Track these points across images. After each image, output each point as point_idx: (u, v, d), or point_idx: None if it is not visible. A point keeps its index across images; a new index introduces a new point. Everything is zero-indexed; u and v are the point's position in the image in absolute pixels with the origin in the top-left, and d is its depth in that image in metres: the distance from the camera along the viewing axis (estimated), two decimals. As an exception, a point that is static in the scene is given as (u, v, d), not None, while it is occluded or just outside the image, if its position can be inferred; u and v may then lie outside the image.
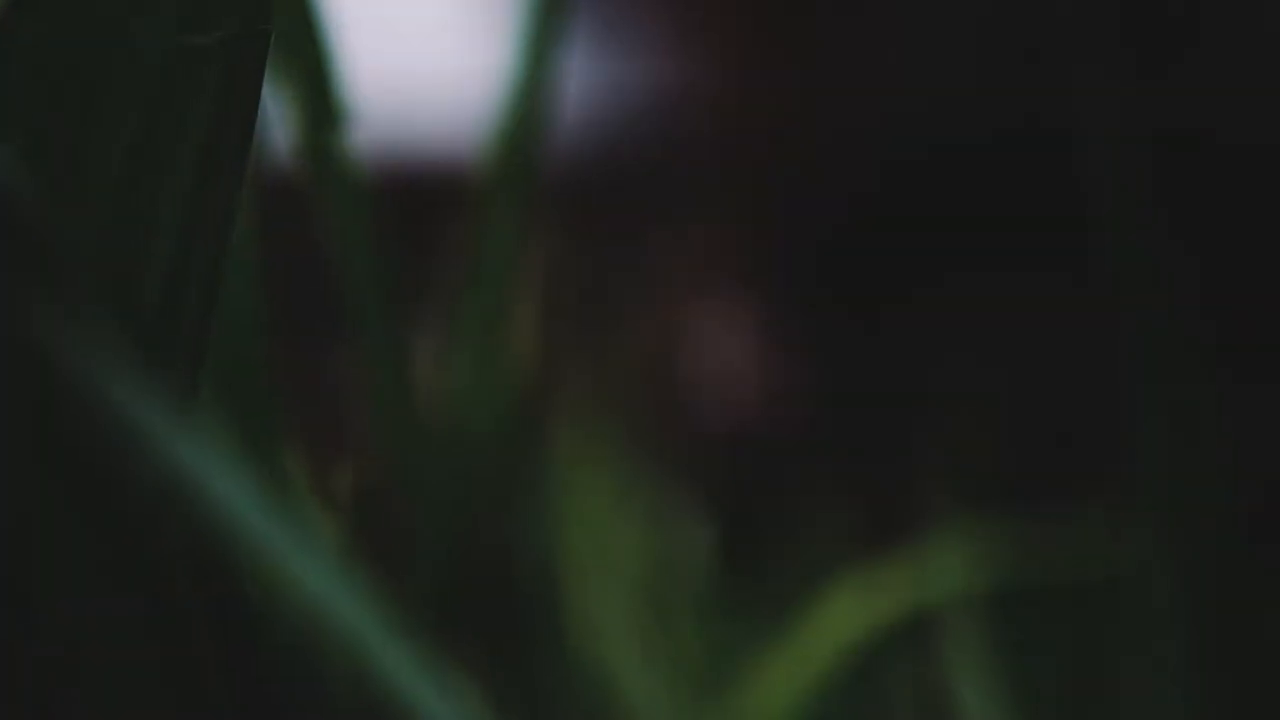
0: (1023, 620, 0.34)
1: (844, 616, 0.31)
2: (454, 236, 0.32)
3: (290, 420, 0.25)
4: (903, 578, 0.33)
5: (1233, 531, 0.31)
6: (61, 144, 0.19)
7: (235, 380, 0.23)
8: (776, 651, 0.32)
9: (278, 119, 0.28)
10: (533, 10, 0.26)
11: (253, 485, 0.17)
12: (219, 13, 0.19)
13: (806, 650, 0.30)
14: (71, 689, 0.17)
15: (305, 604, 0.15)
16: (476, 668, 0.34)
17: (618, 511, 0.41)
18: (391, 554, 0.28)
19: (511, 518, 0.29)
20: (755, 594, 0.56)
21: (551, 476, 0.31)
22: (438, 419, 0.28)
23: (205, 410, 0.23)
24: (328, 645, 0.15)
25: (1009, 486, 0.49)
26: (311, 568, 0.16)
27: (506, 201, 0.27)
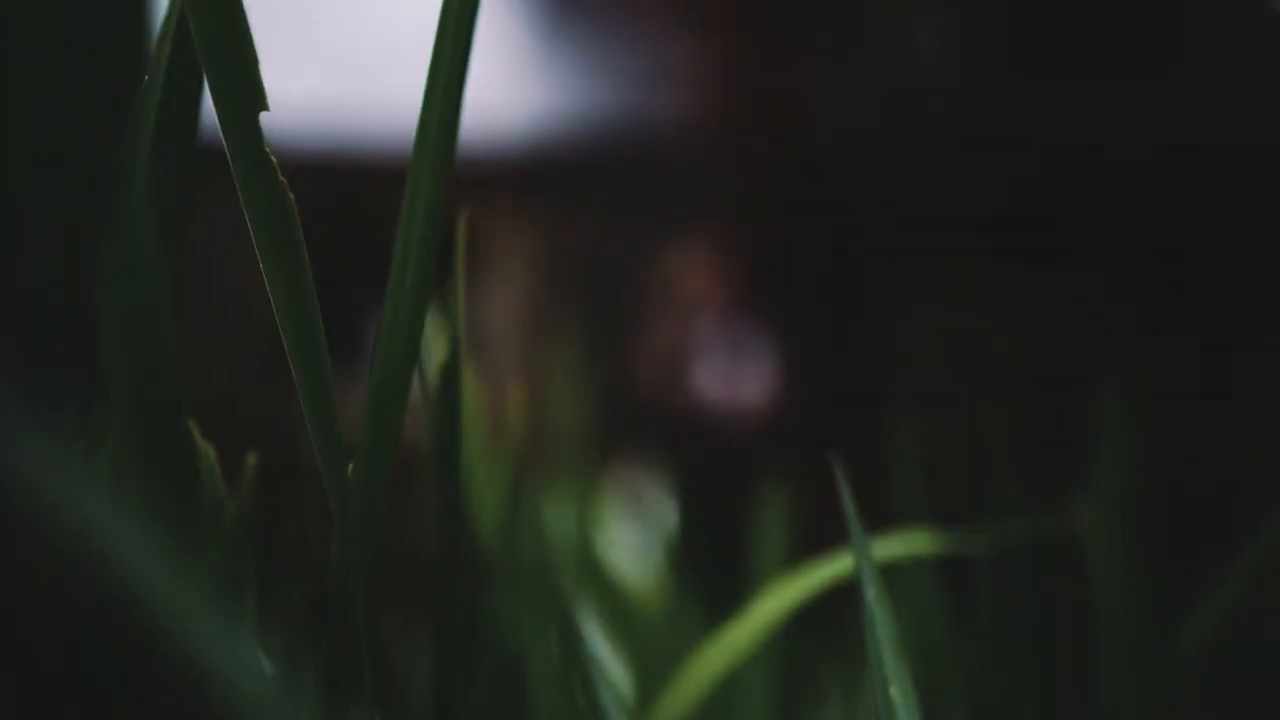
0: (953, 614, 0.34)
1: (773, 606, 0.31)
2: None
3: (207, 409, 0.25)
4: (840, 568, 0.33)
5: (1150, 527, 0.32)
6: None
7: (142, 374, 0.22)
8: (710, 640, 0.32)
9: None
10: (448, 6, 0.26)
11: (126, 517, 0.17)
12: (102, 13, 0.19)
13: (732, 638, 0.30)
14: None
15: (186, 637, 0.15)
16: (400, 665, 0.34)
17: (567, 506, 0.42)
18: (311, 548, 0.28)
19: (444, 510, 0.30)
20: (721, 585, 0.56)
21: (469, 469, 0.31)
22: (364, 409, 0.28)
23: (110, 413, 0.23)
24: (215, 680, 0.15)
25: (982, 486, 0.49)
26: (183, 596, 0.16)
27: (423, 194, 0.27)
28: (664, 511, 0.56)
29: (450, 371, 0.29)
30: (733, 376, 2.32)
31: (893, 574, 0.44)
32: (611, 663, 0.39)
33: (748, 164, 3.17)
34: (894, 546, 0.34)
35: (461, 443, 0.28)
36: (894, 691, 0.27)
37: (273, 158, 0.25)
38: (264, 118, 0.26)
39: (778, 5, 3.17)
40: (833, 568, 0.32)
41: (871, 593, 0.28)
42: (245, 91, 0.24)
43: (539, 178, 4.50)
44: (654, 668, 0.38)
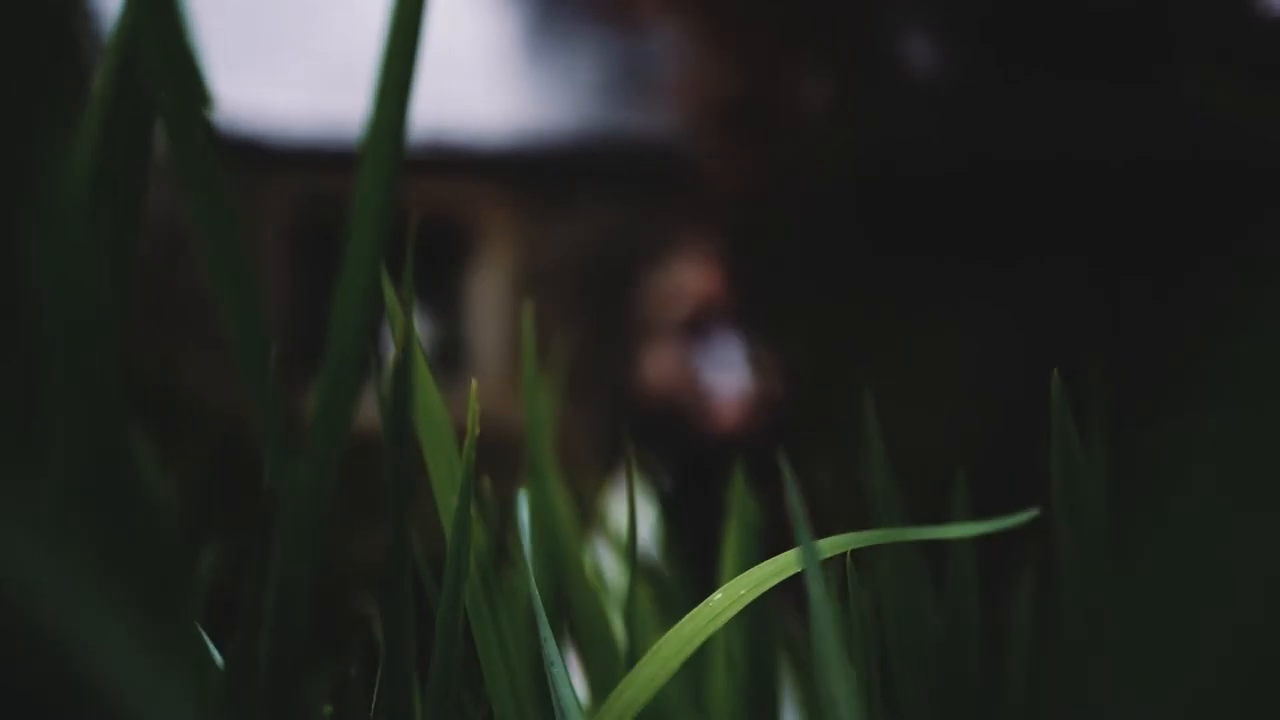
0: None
1: (728, 601, 0.32)
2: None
3: (151, 407, 0.26)
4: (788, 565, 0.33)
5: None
6: None
7: (83, 370, 0.23)
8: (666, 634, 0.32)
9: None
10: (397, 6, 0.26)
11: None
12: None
13: (687, 632, 0.30)
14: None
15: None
16: (355, 664, 0.35)
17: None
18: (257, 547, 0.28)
19: (392, 504, 0.30)
20: (697, 580, 0.57)
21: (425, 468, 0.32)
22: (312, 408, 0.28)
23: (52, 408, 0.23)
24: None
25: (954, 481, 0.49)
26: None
27: (374, 190, 0.27)
28: (623, 508, 0.56)
29: (403, 366, 0.30)
30: (719, 376, 2.34)
31: (871, 564, 0.44)
32: (572, 657, 0.39)
33: (738, 168, 3.17)
34: (847, 542, 0.34)
35: (410, 437, 0.28)
36: (836, 686, 0.27)
37: (218, 159, 0.25)
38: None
39: (774, 8, 3.18)
40: (785, 564, 0.33)
41: (817, 590, 0.28)
42: (190, 92, 0.25)
43: (530, 177, 4.50)
44: (613, 662, 0.38)
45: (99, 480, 0.22)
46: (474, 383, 0.32)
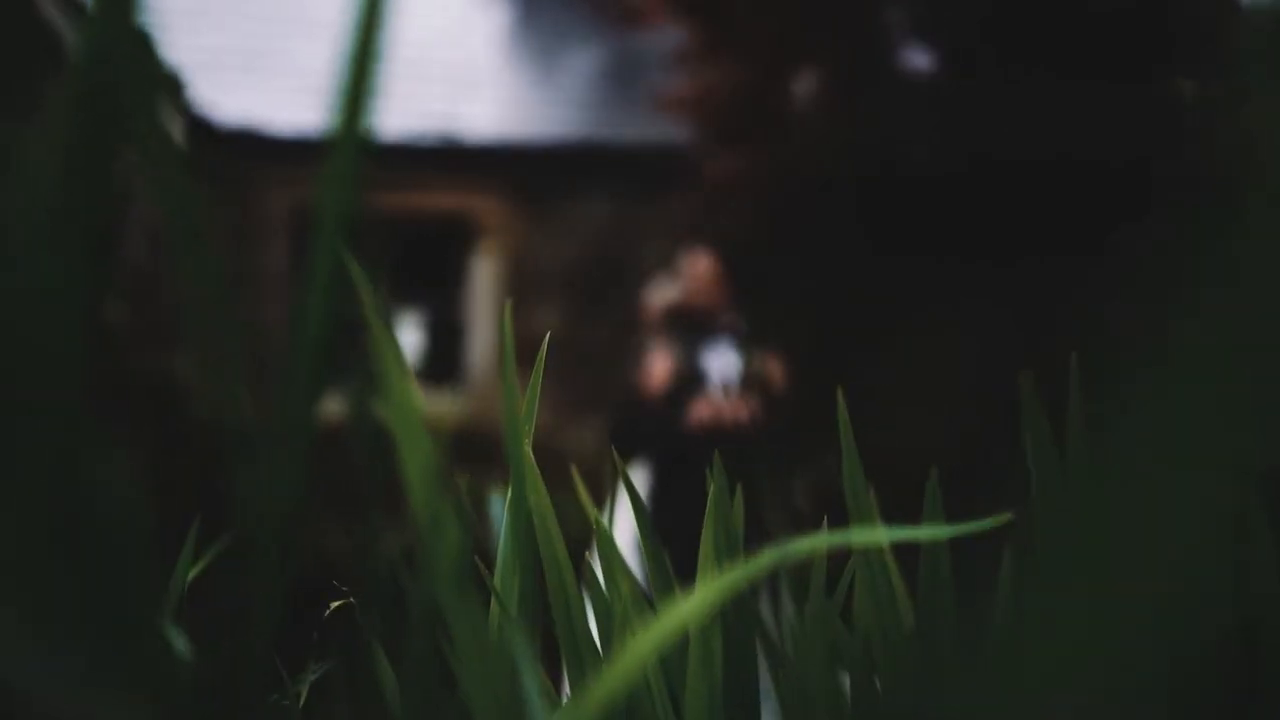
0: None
1: (703, 598, 0.32)
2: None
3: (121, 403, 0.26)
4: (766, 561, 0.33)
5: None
6: None
7: (50, 377, 0.23)
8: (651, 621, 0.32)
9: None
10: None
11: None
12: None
13: (663, 627, 0.30)
14: None
15: None
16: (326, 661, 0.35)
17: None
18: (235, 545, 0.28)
19: (363, 497, 0.30)
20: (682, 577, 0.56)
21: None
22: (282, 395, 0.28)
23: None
24: None
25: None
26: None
27: (339, 184, 0.27)
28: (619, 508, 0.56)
29: (375, 365, 0.30)
30: (714, 374, 2.34)
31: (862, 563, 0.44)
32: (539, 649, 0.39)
33: (737, 167, 3.16)
34: (823, 542, 0.34)
35: (376, 436, 0.28)
36: (813, 684, 0.27)
37: (183, 156, 0.25)
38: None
39: (774, 8, 3.18)
40: (761, 564, 0.33)
41: (785, 590, 0.28)
42: (151, 86, 0.25)
43: (529, 176, 4.50)
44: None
45: (65, 495, 0.22)
46: (459, 386, 0.32)
